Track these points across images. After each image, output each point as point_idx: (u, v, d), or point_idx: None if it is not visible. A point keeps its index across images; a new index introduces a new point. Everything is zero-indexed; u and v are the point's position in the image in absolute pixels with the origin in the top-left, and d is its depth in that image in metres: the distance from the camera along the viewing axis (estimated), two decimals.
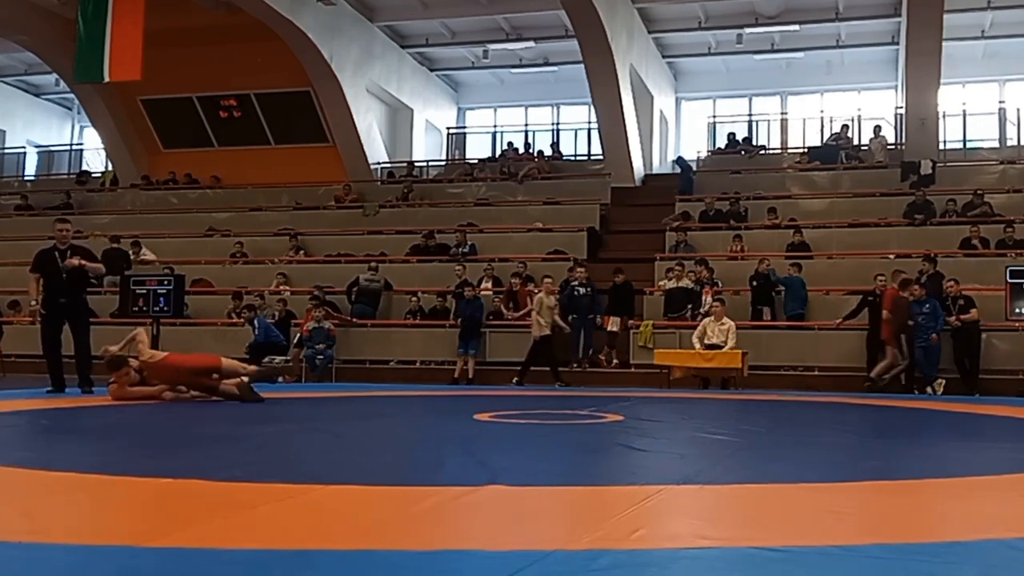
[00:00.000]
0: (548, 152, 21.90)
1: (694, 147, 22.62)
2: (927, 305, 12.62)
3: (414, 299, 15.25)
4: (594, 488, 3.99)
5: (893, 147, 19.34)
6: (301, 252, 17.85)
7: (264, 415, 7.60)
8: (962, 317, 12.49)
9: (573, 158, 22.78)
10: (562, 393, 11.26)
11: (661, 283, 14.96)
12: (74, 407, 7.67)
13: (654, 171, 21.49)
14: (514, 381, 13.14)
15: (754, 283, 14.13)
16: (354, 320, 15.09)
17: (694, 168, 19.99)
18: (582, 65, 19.24)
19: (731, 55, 22.69)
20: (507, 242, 17.59)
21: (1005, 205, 16.54)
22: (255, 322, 13.85)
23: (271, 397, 9.48)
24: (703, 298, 13.98)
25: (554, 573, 2.46)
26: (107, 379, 8.62)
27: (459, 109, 25.91)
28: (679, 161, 20.15)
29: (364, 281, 15.51)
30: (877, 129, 19.53)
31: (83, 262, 9.27)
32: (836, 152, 19.48)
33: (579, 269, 14.21)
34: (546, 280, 14.03)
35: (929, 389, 12.30)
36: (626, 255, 16.94)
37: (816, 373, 13.28)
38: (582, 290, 13.79)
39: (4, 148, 26.04)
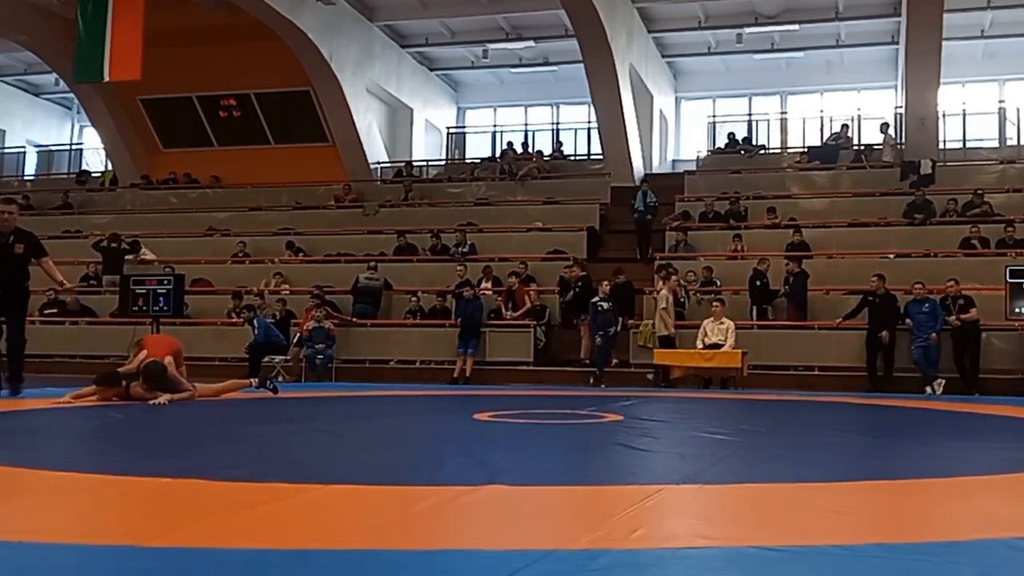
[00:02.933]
0: (548, 152, 21.87)
1: (694, 147, 22.62)
2: (926, 305, 12.63)
3: (414, 299, 15.26)
4: (594, 488, 3.99)
5: (895, 145, 19.32)
6: (300, 254, 17.83)
7: (264, 415, 7.61)
8: (962, 317, 12.49)
9: (572, 158, 22.78)
10: (562, 393, 11.26)
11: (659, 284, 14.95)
12: (73, 407, 7.67)
13: (654, 171, 21.47)
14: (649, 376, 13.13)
15: (757, 283, 14.08)
16: (355, 320, 15.09)
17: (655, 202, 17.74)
18: (582, 65, 19.25)
19: (731, 55, 22.69)
20: (507, 242, 17.59)
21: (1005, 205, 16.54)
22: (255, 322, 13.85)
23: (270, 397, 9.48)
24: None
25: (553, 573, 2.46)
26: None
27: (459, 109, 25.91)
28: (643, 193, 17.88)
29: (364, 280, 15.52)
30: (884, 127, 19.37)
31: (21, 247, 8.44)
32: (836, 152, 19.45)
33: (604, 283, 13.77)
34: (673, 277, 13.74)
35: (929, 389, 12.31)
36: (626, 255, 16.94)
37: (816, 373, 13.28)
38: (605, 305, 13.49)
39: (4, 148, 26.04)
